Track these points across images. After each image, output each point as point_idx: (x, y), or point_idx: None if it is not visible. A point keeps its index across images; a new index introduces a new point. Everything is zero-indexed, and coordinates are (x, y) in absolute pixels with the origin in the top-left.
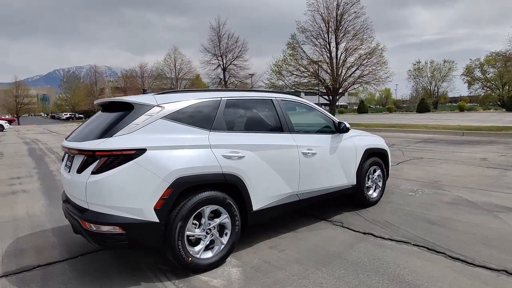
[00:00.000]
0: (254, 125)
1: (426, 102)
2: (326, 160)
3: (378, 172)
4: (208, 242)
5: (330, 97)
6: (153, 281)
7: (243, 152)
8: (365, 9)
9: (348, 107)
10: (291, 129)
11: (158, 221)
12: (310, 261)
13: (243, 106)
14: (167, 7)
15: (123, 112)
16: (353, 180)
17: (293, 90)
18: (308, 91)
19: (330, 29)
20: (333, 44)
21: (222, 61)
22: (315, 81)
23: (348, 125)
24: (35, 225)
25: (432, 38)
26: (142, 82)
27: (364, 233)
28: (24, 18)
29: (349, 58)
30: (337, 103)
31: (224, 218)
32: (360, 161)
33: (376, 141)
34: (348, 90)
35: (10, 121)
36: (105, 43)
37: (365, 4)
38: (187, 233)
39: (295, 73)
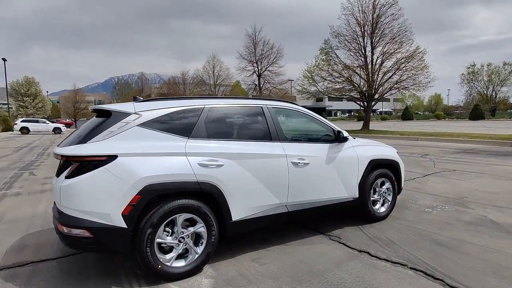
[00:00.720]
0: (240, 133)
1: (480, 109)
2: (321, 170)
3: (387, 185)
4: (181, 251)
5: (365, 103)
6: (123, 286)
7: (222, 161)
8: (404, 10)
9: (393, 113)
10: (281, 138)
11: (126, 227)
12: (288, 277)
13: (229, 114)
14: (210, 15)
15: (103, 119)
16: (354, 193)
17: (325, 96)
18: (341, 96)
19: (365, 33)
20: (368, 48)
21: (257, 68)
22: (349, 87)
23: (346, 134)
24: (47, 222)
25: (492, 38)
26: (184, 88)
27: (360, 251)
28: (87, 31)
29: (385, 63)
30: (381, 109)
31: (200, 227)
32: (364, 172)
33: (385, 151)
34: (385, 95)
35: (68, 125)
36: (155, 52)
37: (414, 4)
38: (158, 240)
39: (328, 78)
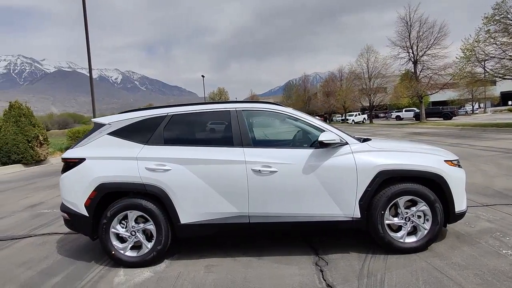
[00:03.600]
0: (200, 139)
1: None
2: (296, 180)
3: (420, 207)
4: (133, 243)
5: None
6: (96, 263)
7: (170, 166)
8: None
9: None
10: (245, 143)
11: (87, 215)
12: None
13: (193, 120)
14: (385, 4)
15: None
16: (353, 212)
17: (498, 78)
18: None
19: None
20: None
21: (412, 53)
22: None
23: (326, 138)
24: None
25: None
26: (340, 84)
27: (327, 286)
28: (269, 42)
29: None
30: None
31: (149, 225)
32: (368, 186)
33: (416, 159)
34: None
35: None
36: (327, 51)
37: None
38: (112, 230)
39: (500, 55)
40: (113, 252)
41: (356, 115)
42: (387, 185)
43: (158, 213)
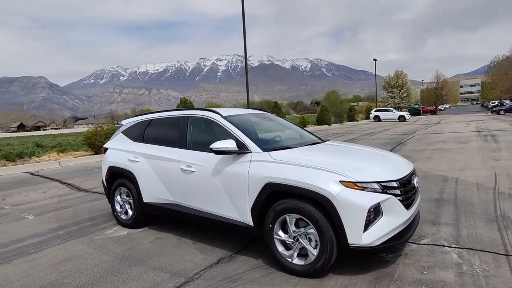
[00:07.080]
0: (160, 139)
1: None
2: (207, 181)
3: (308, 229)
4: (125, 210)
5: None
6: (107, 223)
7: (139, 158)
8: None
9: None
10: (183, 145)
11: (106, 186)
12: (126, 257)
13: (163, 124)
14: None
15: None
16: (247, 219)
17: None
18: None
19: None
20: None
21: None
22: None
23: (216, 146)
24: None
25: None
26: None
27: (193, 276)
28: (481, 6)
29: None
30: None
31: (130, 199)
32: (257, 197)
33: (301, 175)
34: None
35: (432, 112)
36: None
37: None
38: (115, 198)
39: None
40: (115, 214)
41: None
42: (278, 198)
43: (134, 191)
